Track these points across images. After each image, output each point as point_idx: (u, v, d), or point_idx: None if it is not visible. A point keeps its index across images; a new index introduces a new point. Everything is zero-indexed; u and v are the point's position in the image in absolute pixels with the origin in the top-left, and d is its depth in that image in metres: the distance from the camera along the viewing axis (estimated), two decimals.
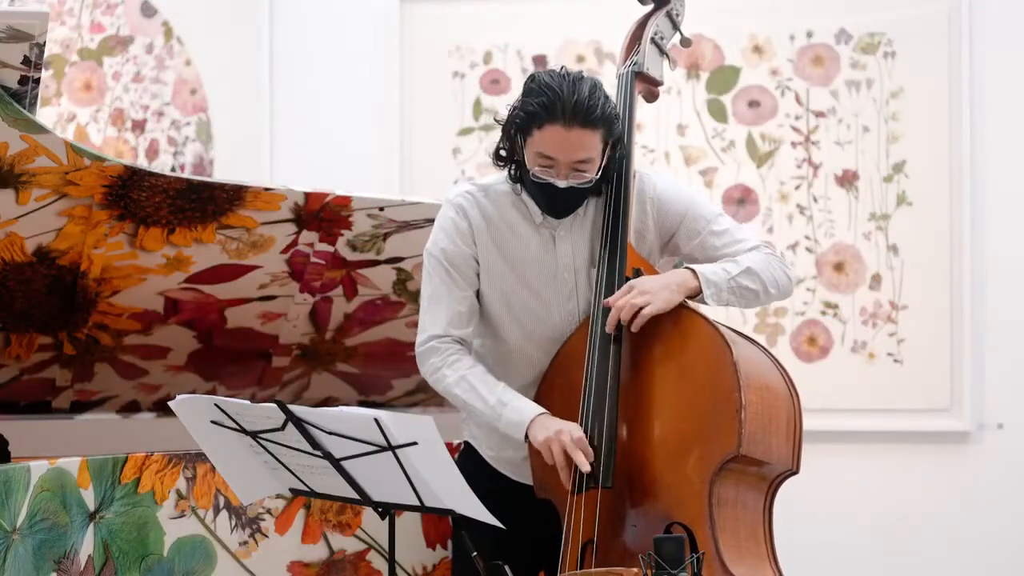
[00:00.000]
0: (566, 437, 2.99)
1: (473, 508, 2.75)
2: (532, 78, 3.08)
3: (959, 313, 5.01)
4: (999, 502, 5.00)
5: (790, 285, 3.22)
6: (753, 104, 5.15)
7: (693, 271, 3.12)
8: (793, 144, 5.12)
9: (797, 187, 5.12)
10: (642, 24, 3.35)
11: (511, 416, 3.08)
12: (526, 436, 3.07)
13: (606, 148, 3.08)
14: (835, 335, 5.09)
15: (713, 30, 5.16)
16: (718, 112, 5.16)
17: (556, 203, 3.11)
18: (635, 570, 2.86)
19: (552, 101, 3.01)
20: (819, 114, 5.12)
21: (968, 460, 5.03)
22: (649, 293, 3.05)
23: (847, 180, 5.10)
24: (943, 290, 5.03)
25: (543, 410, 3.08)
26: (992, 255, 5.01)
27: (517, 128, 3.08)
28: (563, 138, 3.02)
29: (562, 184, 3.06)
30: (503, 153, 3.15)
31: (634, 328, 3.05)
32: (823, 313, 5.10)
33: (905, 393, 5.05)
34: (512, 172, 3.16)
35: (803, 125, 5.13)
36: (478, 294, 3.22)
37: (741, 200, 5.13)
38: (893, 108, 5.08)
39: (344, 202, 3.66)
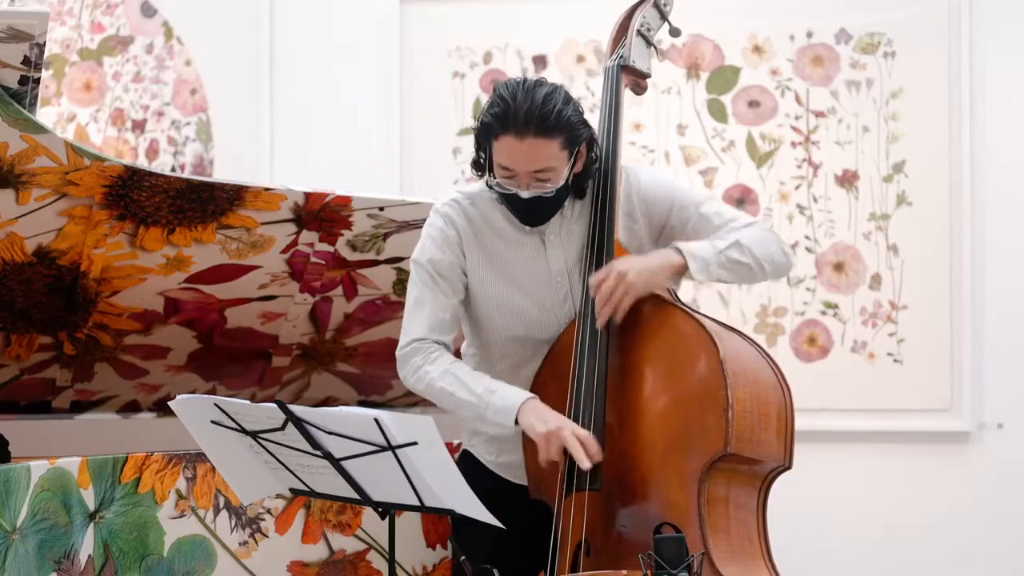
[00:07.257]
0: (567, 433, 2.95)
1: (473, 508, 2.75)
2: (494, 88, 3.05)
3: (959, 313, 5.01)
4: (999, 502, 5.00)
5: (787, 262, 3.17)
6: (753, 104, 5.15)
7: (677, 248, 3.08)
8: (793, 144, 5.12)
9: (797, 187, 5.12)
10: (628, 16, 3.33)
11: (499, 403, 3.03)
12: (516, 423, 3.02)
13: (573, 155, 3.04)
14: (835, 335, 5.09)
15: (713, 30, 5.15)
16: (718, 112, 5.16)
17: (524, 212, 3.09)
18: (624, 572, 2.86)
19: (504, 112, 2.97)
20: (819, 114, 5.12)
21: (968, 460, 5.02)
22: (628, 283, 3.01)
23: (847, 180, 5.10)
24: (943, 290, 5.03)
25: (532, 395, 3.04)
26: (992, 255, 5.00)
27: (479, 139, 3.06)
28: (517, 149, 2.98)
29: (525, 195, 3.03)
30: (481, 162, 3.11)
31: (617, 319, 3.03)
32: (823, 313, 5.10)
33: (905, 393, 5.04)
34: (488, 181, 3.12)
35: (803, 125, 5.12)
36: (468, 302, 3.21)
37: (741, 200, 5.12)
38: (893, 108, 5.08)
39: (344, 202, 3.65)
